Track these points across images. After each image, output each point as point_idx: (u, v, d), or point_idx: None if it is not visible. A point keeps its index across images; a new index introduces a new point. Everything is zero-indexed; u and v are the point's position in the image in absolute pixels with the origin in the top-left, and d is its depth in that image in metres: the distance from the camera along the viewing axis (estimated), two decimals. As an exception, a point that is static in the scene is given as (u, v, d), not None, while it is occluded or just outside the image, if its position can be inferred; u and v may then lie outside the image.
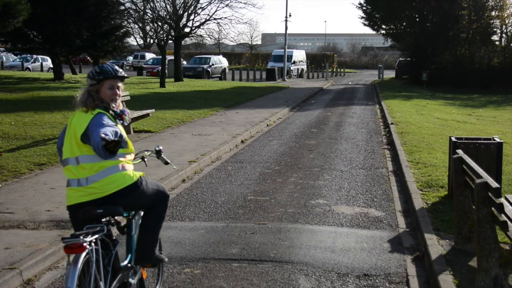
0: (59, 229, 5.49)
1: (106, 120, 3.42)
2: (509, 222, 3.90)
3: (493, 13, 36.57)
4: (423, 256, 5.09)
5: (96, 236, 3.29)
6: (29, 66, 41.79)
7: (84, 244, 3.13)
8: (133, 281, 3.78)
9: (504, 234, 4.15)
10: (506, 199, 4.71)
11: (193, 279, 4.59)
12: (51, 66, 34.35)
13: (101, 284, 3.31)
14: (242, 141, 11.80)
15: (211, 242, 5.45)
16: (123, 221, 3.82)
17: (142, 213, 3.88)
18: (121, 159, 3.59)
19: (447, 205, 6.50)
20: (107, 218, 3.51)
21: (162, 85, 26.33)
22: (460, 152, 5.35)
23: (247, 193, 7.39)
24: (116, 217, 3.63)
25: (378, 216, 6.46)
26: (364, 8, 40.24)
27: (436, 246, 5.10)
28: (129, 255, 3.81)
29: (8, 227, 5.55)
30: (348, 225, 6.09)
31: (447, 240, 5.33)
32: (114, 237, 3.58)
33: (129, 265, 3.75)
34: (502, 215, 3.92)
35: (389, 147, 11.39)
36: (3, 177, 7.51)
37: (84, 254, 3.15)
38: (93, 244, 3.24)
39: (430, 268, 4.71)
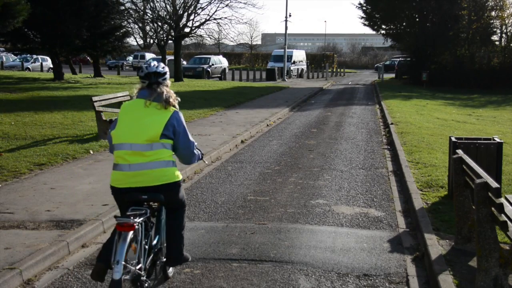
0: (59, 229, 5.49)
1: (183, 121, 4.00)
2: (509, 222, 3.90)
3: (493, 13, 36.57)
4: (423, 256, 5.09)
5: (142, 218, 3.73)
6: (29, 66, 41.80)
7: (134, 224, 3.57)
8: (161, 260, 4.27)
9: (504, 234, 4.15)
10: (506, 199, 4.72)
11: (193, 279, 4.59)
12: (51, 66, 34.38)
13: (141, 259, 3.77)
14: (242, 141, 11.80)
15: (211, 242, 5.45)
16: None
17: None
18: (174, 156, 4.01)
19: (447, 205, 6.50)
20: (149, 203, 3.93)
21: (162, 85, 26.30)
22: (460, 152, 5.35)
23: (247, 193, 7.39)
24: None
25: (378, 216, 6.46)
26: (364, 8, 40.24)
27: (436, 246, 5.10)
28: (157, 236, 4.16)
29: (8, 227, 5.54)
30: (348, 225, 6.09)
31: (447, 240, 5.33)
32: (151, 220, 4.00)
33: (158, 246, 4.17)
34: (502, 215, 3.92)
35: (389, 147, 11.39)
36: (3, 177, 7.51)
37: (132, 232, 3.58)
38: (140, 225, 3.69)
39: (430, 268, 4.71)
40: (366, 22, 40.87)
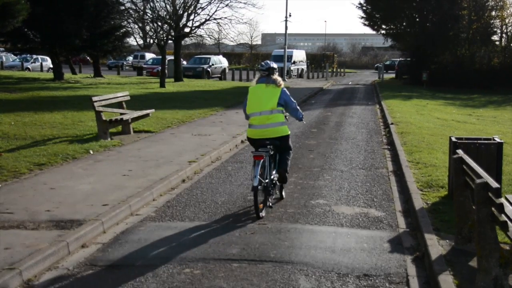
0: (58, 229, 5.48)
1: (288, 94, 6.70)
2: (509, 222, 3.90)
3: (493, 13, 36.60)
4: (423, 256, 5.08)
5: (268, 153, 6.36)
6: (29, 66, 41.81)
7: (263, 155, 6.19)
8: (276, 185, 6.87)
9: (504, 234, 4.14)
10: (506, 199, 4.71)
11: (193, 279, 4.59)
12: (51, 66, 34.40)
13: (268, 177, 6.35)
14: (242, 141, 11.79)
15: (211, 242, 5.45)
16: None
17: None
18: (286, 118, 6.73)
19: (447, 205, 6.49)
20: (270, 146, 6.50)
21: (162, 85, 26.33)
22: (460, 152, 5.34)
23: (247, 193, 7.38)
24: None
25: (378, 216, 6.46)
26: (364, 8, 40.24)
27: (436, 246, 5.09)
28: (276, 168, 6.71)
29: (8, 227, 5.54)
30: (348, 225, 6.09)
31: (447, 240, 5.33)
32: (272, 156, 6.61)
33: (276, 173, 6.73)
34: (502, 215, 3.92)
35: (389, 147, 11.38)
36: (3, 177, 7.50)
37: (262, 160, 6.14)
38: (266, 157, 6.28)
39: (430, 268, 4.71)
40: (366, 22, 40.87)
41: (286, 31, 39.76)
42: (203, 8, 34.60)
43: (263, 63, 6.81)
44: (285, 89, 6.64)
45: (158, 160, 8.97)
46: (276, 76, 6.68)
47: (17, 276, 4.43)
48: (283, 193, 7.13)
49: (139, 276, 4.64)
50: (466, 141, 6.76)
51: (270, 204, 6.64)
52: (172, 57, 32.83)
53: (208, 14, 35.23)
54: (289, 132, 6.66)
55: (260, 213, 6.24)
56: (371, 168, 9.22)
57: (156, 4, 28.30)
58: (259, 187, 6.13)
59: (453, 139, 6.83)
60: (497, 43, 37.84)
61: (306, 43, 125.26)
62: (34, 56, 41.96)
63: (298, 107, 6.87)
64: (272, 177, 6.55)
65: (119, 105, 12.25)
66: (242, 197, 7.19)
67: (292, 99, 6.75)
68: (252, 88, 6.73)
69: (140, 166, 8.53)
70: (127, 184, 7.35)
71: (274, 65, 6.79)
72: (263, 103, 6.47)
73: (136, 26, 39.70)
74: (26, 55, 40.26)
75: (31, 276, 4.56)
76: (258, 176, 5.99)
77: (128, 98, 12.49)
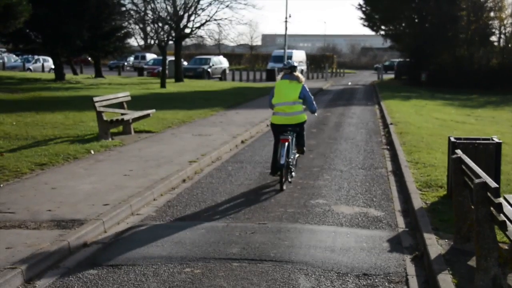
0: (60, 228, 5.51)
1: (307, 89, 7.98)
2: (508, 222, 3.93)
3: (491, 14, 36.64)
4: (422, 255, 5.11)
5: (291, 137, 7.64)
6: (30, 67, 41.86)
7: (289, 138, 7.50)
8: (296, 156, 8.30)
9: (503, 233, 4.17)
10: (505, 199, 4.73)
11: (193, 278, 4.62)
12: (53, 67, 34.43)
13: (290, 157, 7.63)
14: (242, 141, 11.83)
15: (212, 241, 5.48)
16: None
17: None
18: (304, 108, 7.98)
19: (446, 205, 6.52)
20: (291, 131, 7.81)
21: (163, 85, 26.38)
22: (459, 152, 5.37)
23: (247, 193, 7.41)
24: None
25: (378, 216, 6.49)
26: (363, 9, 40.28)
27: (435, 246, 5.12)
28: (294, 149, 7.99)
29: (9, 226, 5.57)
30: (348, 224, 6.12)
31: (446, 240, 5.36)
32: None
33: (294, 153, 8.06)
34: (501, 215, 3.94)
35: (388, 147, 11.41)
36: (5, 177, 7.53)
37: (287, 143, 7.41)
38: (290, 139, 7.56)
39: (429, 267, 4.73)
40: (366, 23, 40.91)
41: (286, 32, 39.83)
42: (203, 9, 34.66)
43: (285, 62, 8.16)
44: (305, 85, 7.90)
45: (158, 160, 9.00)
46: (298, 73, 7.90)
47: (18, 275, 4.45)
48: (293, 174, 8.13)
49: (140, 275, 4.67)
50: (465, 141, 6.79)
51: (290, 180, 7.84)
52: (172, 58, 32.89)
53: (208, 15, 35.19)
54: (306, 119, 8.00)
55: (283, 187, 7.51)
56: (370, 168, 9.25)
57: (157, 5, 28.38)
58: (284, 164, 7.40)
59: (452, 139, 6.85)
60: (496, 44, 37.86)
61: (305, 44, 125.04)
62: (36, 57, 41.98)
63: (314, 102, 8.09)
64: (292, 157, 7.78)
65: (120, 105, 12.28)
66: (243, 197, 7.22)
67: (310, 94, 8.02)
68: (278, 83, 8.01)
69: (141, 166, 8.56)
70: (128, 184, 7.38)
71: (295, 63, 8.12)
72: (287, 95, 7.73)
73: (137, 27, 39.69)
74: (27, 55, 40.28)
75: (33, 275, 4.58)
76: (284, 156, 7.24)
77: (129, 98, 12.52)
